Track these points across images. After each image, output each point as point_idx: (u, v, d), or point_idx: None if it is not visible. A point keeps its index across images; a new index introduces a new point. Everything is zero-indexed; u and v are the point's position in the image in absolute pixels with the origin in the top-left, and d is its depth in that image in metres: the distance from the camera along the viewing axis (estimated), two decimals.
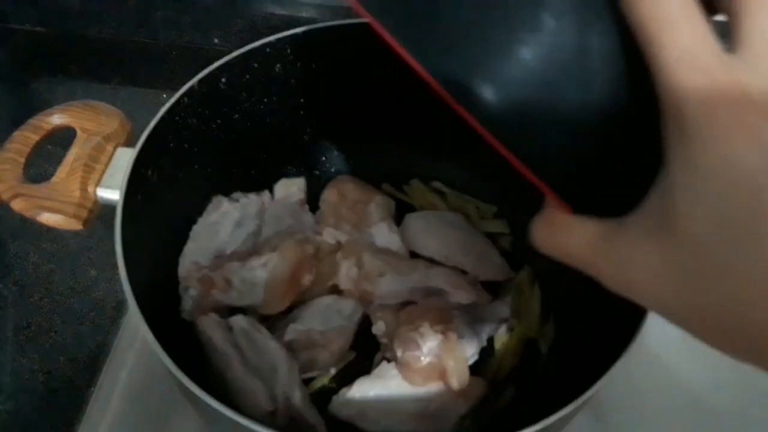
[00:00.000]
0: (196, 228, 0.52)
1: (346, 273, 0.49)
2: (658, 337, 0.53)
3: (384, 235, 0.53)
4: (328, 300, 0.50)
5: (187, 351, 0.47)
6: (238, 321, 0.47)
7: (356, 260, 0.49)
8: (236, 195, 0.55)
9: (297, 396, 0.43)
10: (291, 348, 0.47)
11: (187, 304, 0.48)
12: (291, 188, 0.56)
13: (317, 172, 0.61)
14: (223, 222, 0.52)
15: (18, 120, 0.47)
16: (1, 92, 0.76)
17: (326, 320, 0.48)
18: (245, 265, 0.48)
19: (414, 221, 0.55)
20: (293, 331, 0.47)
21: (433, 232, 0.54)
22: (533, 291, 0.54)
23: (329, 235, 0.51)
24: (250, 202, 0.54)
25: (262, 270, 0.48)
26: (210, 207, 0.53)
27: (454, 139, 0.59)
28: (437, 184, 0.61)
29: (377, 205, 0.55)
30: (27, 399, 0.52)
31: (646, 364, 0.53)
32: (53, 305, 0.58)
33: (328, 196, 0.56)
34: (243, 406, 0.42)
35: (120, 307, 0.57)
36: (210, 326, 0.46)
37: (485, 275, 0.52)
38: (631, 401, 0.52)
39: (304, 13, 0.73)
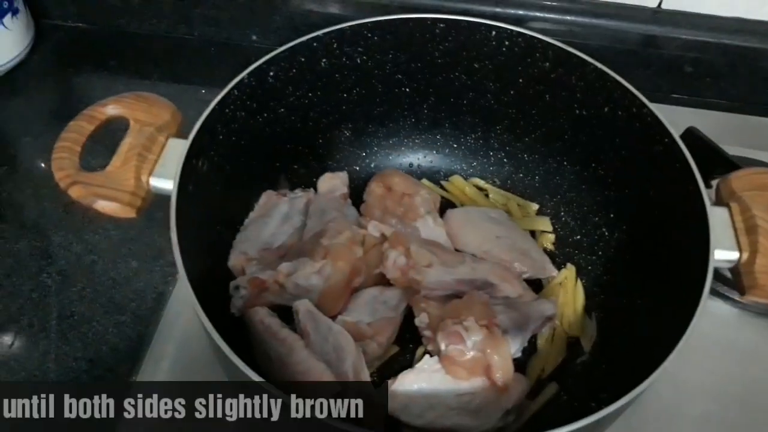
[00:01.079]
0: (246, 220, 0.53)
1: (393, 262, 0.49)
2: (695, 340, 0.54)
3: (429, 228, 0.53)
4: (373, 291, 0.50)
5: (232, 344, 0.48)
6: (304, 304, 0.47)
7: (404, 250, 0.49)
8: (284, 190, 0.56)
9: (365, 374, 0.43)
10: None
11: (237, 302, 0.49)
12: (334, 182, 0.56)
13: (357, 168, 0.61)
14: (272, 215, 0.53)
15: (60, 114, 0.48)
16: (44, 87, 0.77)
17: (373, 311, 0.48)
18: (299, 271, 0.48)
19: (455, 216, 0.55)
20: (342, 323, 0.47)
21: (475, 227, 0.54)
22: (576, 289, 0.53)
23: (374, 228, 0.51)
24: (298, 197, 0.55)
25: (317, 277, 0.48)
26: (260, 201, 0.54)
27: (495, 136, 0.60)
28: (478, 181, 0.61)
29: (423, 198, 0.55)
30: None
31: (694, 340, 0.53)
32: (95, 295, 0.58)
33: (375, 188, 0.56)
34: (308, 389, 0.42)
35: (160, 298, 0.58)
36: (265, 315, 0.47)
37: (528, 272, 0.52)
38: (688, 379, 0.52)
39: (343, 11, 0.74)
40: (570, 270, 0.54)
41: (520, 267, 0.52)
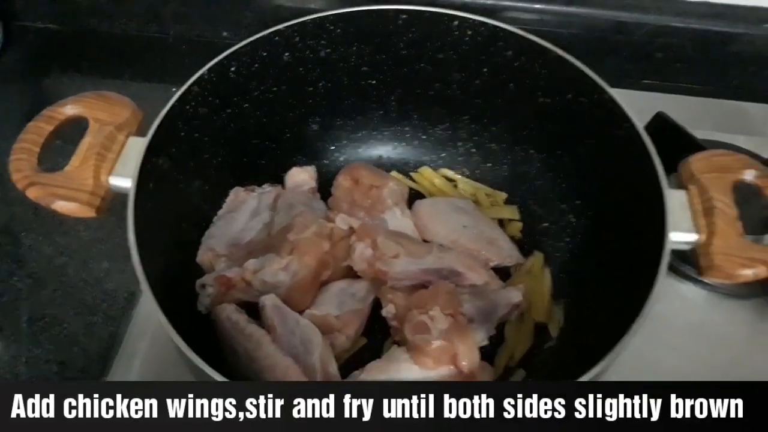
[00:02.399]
0: (215, 217, 0.53)
1: (360, 254, 0.49)
2: (664, 322, 0.55)
3: (397, 219, 0.53)
4: (341, 284, 0.50)
5: (200, 339, 0.48)
6: (270, 298, 0.47)
7: (371, 242, 0.49)
8: (252, 186, 0.56)
9: (333, 367, 0.43)
10: None
11: (204, 300, 0.49)
12: (302, 176, 0.56)
13: (326, 161, 0.61)
14: (240, 211, 0.53)
15: (31, 116, 0.47)
16: (15, 89, 0.77)
17: (341, 304, 0.48)
18: (266, 268, 0.48)
19: (423, 207, 0.55)
20: (310, 316, 0.47)
21: (443, 217, 0.54)
22: (543, 276, 0.54)
23: (342, 221, 0.51)
24: (266, 192, 0.55)
25: (284, 273, 0.48)
26: (229, 197, 0.54)
27: (463, 126, 0.60)
28: (446, 171, 0.61)
29: (391, 190, 0.55)
30: None
31: (655, 348, 0.53)
32: (66, 297, 0.58)
33: (342, 181, 0.56)
34: None
35: (132, 298, 0.57)
36: (232, 312, 0.47)
37: (495, 260, 0.52)
38: (659, 361, 0.52)
39: (313, 5, 0.73)
40: (537, 257, 0.54)
41: (488, 255, 0.52)
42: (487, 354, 0.49)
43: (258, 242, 0.52)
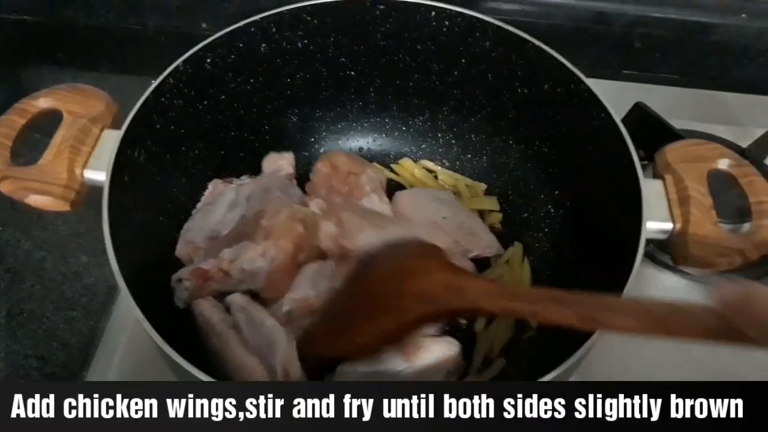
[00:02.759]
0: (194, 210, 0.52)
1: (326, 232, 0.49)
2: (652, 285, 0.55)
3: (375, 205, 0.53)
4: (313, 267, 0.50)
5: (179, 332, 0.48)
6: (236, 299, 0.47)
7: (336, 219, 0.49)
8: (231, 178, 0.55)
9: (295, 369, 0.43)
10: (290, 318, 0.47)
11: (182, 294, 0.48)
12: (280, 162, 0.56)
13: (306, 153, 0.61)
14: (218, 203, 0.52)
15: (6, 109, 0.47)
16: None
17: (316, 285, 0.48)
18: (242, 256, 0.47)
19: (403, 198, 0.55)
20: (291, 301, 0.47)
21: (422, 208, 0.54)
22: (523, 267, 0.54)
23: (316, 205, 0.51)
24: (245, 183, 0.54)
25: (261, 260, 0.47)
26: (207, 190, 0.53)
27: (443, 117, 0.60)
28: (427, 163, 0.61)
29: (369, 177, 0.55)
30: None
31: (635, 338, 0.54)
32: (45, 291, 0.58)
33: (321, 167, 0.56)
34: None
35: (111, 292, 0.57)
36: (207, 309, 0.46)
37: (475, 250, 0.53)
38: (637, 348, 0.53)
39: None
40: (517, 248, 0.55)
41: (467, 246, 0.52)
42: (469, 344, 0.50)
43: (235, 234, 0.52)
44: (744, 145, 0.63)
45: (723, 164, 0.45)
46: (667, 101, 0.67)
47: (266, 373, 0.43)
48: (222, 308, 0.47)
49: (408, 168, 0.60)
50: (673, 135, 0.59)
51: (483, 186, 0.59)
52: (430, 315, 0.40)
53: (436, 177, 0.60)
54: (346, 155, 0.57)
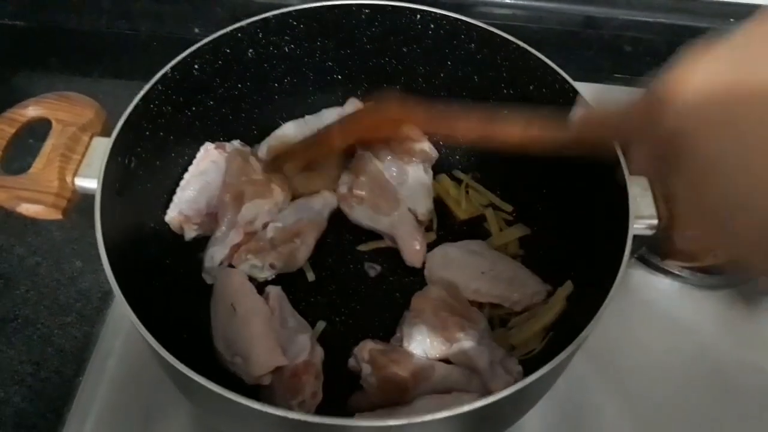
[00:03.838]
0: (186, 175, 0.53)
1: (342, 182, 0.55)
2: (637, 313, 0.56)
3: (419, 174, 0.56)
4: (300, 201, 0.54)
5: (174, 336, 0.48)
6: (276, 289, 0.50)
7: (354, 177, 0.55)
8: (223, 143, 0.55)
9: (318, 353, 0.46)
10: (273, 244, 0.51)
11: (217, 272, 0.50)
12: None
13: None
14: (212, 173, 0.53)
15: None
16: None
17: (299, 214, 0.53)
18: (259, 212, 0.52)
19: (436, 258, 0.53)
20: (273, 229, 0.52)
21: (458, 266, 0.52)
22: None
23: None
24: (204, 152, 0.54)
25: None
26: (199, 155, 0.54)
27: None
28: (459, 174, 0.60)
29: (421, 149, 0.56)
30: (16, 390, 0.53)
31: (628, 338, 0.55)
32: (39, 297, 0.58)
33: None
34: (248, 362, 0.44)
35: (106, 297, 0.58)
36: (242, 279, 0.49)
37: (523, 301, 0.50)
38: (631, 349, 0.54)
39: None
40: (565, 287, 0.51)
41: (513, 297, 0.50)
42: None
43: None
44: None
45: None
46: None
47: (281, 359, 0.44)
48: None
49: (445, 186, 0.59)
50: None
51: (509, 208, 0.58)
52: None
53: (467, 191, 0.59)
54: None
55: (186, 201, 0.52)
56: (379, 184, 0.54)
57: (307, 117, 0.57)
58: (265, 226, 0.52)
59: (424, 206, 0.55)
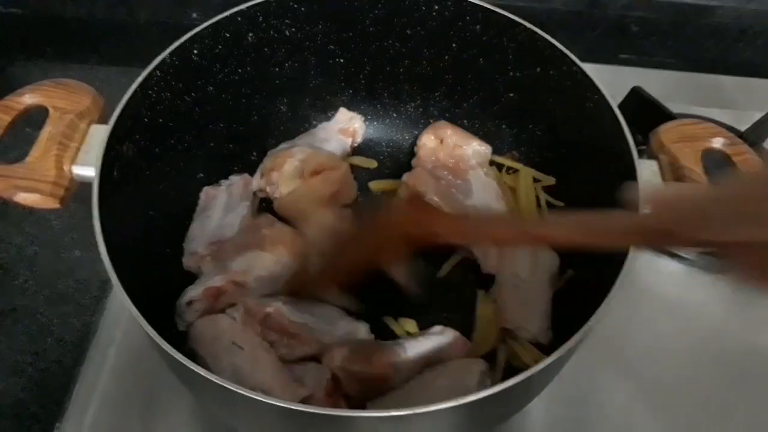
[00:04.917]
0: (192, 221, 0.53)
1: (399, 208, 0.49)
2: (645, 296, 0.55)
3: (480, 180, 0.54)
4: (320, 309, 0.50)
5: (173, 325, 0.48)
6: (277, 305, 0.46)
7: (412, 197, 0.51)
8: (220, 181, 0.55)
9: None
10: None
11: (191, 317, 0.47)
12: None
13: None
14: (213, 207, 0.53)
15: None
16: None
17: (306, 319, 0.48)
18: (257, 265, 0.49)
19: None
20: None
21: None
22: None
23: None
24: (233, 183, 0.54)
25: (276, 266, 0.49)
26: (200, 199, 0.54)
27: (435, 103, 0.59)
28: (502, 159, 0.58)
29: (474, 150, 0.55)
30: (16, 379, 0.53)
31: (637, 321, 0.54)
32: (38, 287, 0.58)
33: (426, 141, 0.56)
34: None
35: (104, 286, 0.57)
36: (232, 326, 0.46)
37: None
38: (638, 332, 0.54)
39: None
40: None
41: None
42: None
43: (238, 240, 0.51)
44: (742, 128, 0.62)
45: (717, 143, 0.45)
46: (665, 85, 0.66)
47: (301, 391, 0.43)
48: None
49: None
50: (671, 119, 0.58)
51: (551, 180, 0.56)
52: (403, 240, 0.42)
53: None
54: (451, 127, 0.56)
55: (191, 241, 0.52)
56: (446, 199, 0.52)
57: (301, 136, 0.57)
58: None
59: (497, 209, 0.53)
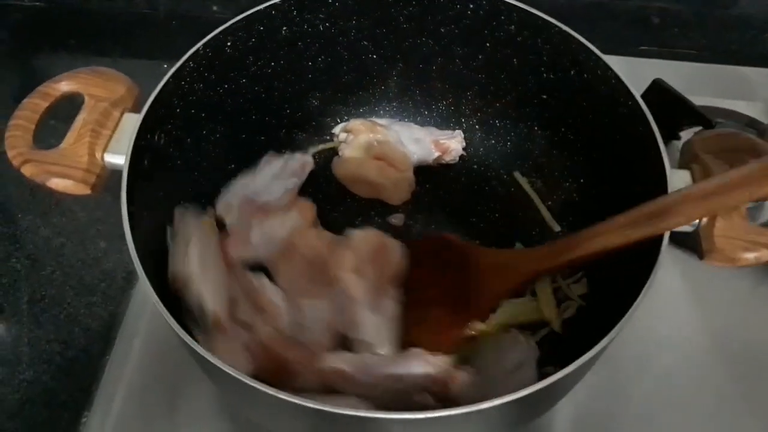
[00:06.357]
0: (237, 179, 0.54)
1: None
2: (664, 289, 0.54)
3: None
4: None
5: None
6: None
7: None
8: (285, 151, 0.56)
9: None
10: None
11: None
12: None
13: (327, 137, 0.60)
14: (263, 170, 0.53)
15: (21, 96, 0.46)
16: (2, 69, 0.75)
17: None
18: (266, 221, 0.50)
19: None
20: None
21: None
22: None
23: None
24: (293, 159, 0.55)
25: (281, 227, 0.50)
26: (262, 161, 0.55)
27: (466, 102, 0.59)
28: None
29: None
30: (45, 368, 0.53)
31: (656, 315, 0.54)
32: (65, 277, 0.58)
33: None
34: None
35: (130, 277, 0.57)
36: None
37: None
38: (659, 326, 0.53)
39: None
40: None
41: None
42: None
43: (274, 206, 0.52)
44: (766, 121, 0.62)
45: (754, 156, 0.44)
46: (687, 77, 0.65)
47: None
48: None
49: None
50: (693, 112, 0.58)
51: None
52: (495, 298, 0.44)
53: None
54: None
55: (230, 192, 0.53)
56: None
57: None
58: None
59: None
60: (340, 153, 0.56)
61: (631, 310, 0.36)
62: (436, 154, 0.57)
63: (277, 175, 0.53)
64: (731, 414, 0.50)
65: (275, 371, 0.43)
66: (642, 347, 0.52)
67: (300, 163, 0.54)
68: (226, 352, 0.42)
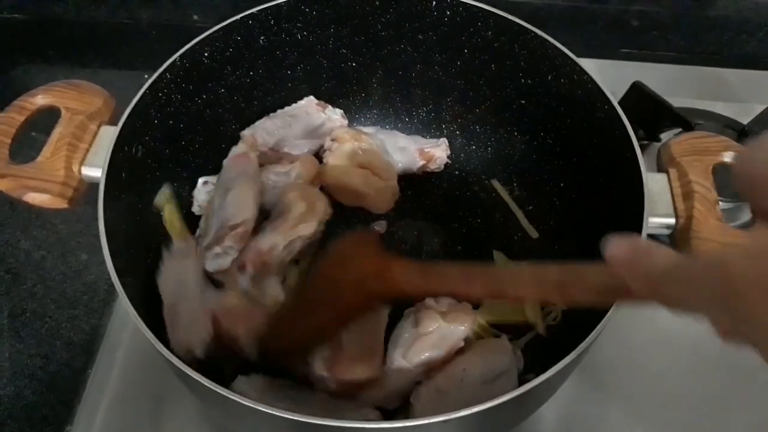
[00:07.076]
0: (279, 111, 0.55)
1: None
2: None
3: None
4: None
5: None
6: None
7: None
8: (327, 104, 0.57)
9: None
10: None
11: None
12: None
13: None
14: (301, 120, 0.55)
15: (0, 108, 0.46)
16: None
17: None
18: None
19: None
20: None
21: None
22: None
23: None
24: (334, 119, 0.56)
25: (284, 175, 0.52)
26: (301, 102, 0.56)
27: (446, 108, 0.59)
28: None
29: None
30: (26, 383, 0.52)
31: (641, 325, 0.54)
32: (46, 291, 0.57)
33: None
34: None
35: (112, 290, 0.57)
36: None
37: None
38: (625, 364, 0.53)
39: None
40: None
41: None
42: None
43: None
44: (745, 121, 0.62)
45: (728, 157, 0.45)
46: (666, 79, 0.66)
47: None
48: None
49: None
50: (673, 114, 0.58)
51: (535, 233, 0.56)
52: (363, 301, 0.40)
53: None
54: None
55: (263, 129, 0.54)
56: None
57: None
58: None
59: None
60: (324, 161, 0.56)
61: (600, 327, 0.36)
62: (421, 162, 0.57)
63: (312, 129, 0.54)
64: (719, 414, 0.50)
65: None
66: (628, 349, 0.52)
67: (337, 125, 0.56)
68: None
